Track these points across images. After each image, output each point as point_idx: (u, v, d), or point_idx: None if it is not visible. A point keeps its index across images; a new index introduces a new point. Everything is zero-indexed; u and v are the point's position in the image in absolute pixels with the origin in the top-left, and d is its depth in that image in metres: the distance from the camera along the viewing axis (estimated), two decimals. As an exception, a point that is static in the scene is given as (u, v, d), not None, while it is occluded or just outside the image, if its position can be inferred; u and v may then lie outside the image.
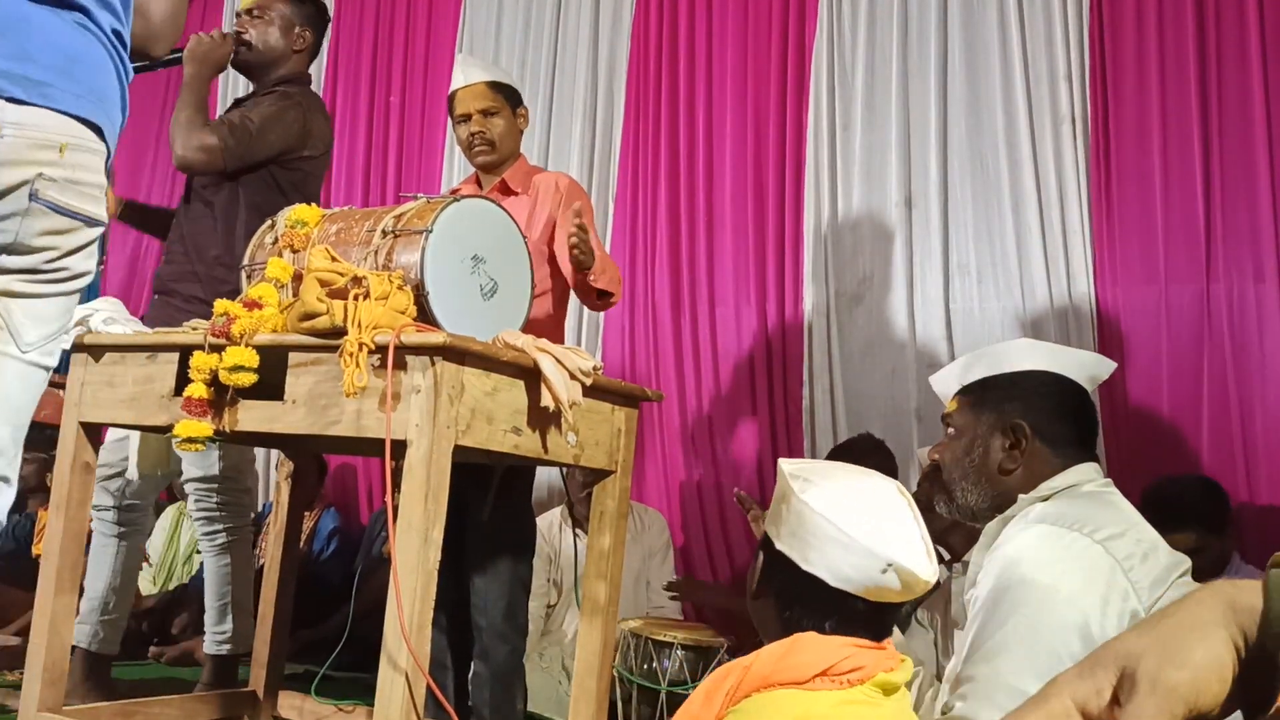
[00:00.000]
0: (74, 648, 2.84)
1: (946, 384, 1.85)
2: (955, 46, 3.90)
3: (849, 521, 1.35)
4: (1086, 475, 1.69)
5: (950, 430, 1.81)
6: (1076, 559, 1.50)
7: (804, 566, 1.37)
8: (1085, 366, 1.78)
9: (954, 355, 3.74)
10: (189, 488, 3.16)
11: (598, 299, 2.90)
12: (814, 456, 3.88)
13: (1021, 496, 1.69)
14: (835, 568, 1.35)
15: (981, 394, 1.78)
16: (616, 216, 4.48)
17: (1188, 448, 3.41)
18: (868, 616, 1.37)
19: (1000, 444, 1.73)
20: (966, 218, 3.82)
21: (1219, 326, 3.39)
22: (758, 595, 1.48)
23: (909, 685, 1.44)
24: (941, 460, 1.81)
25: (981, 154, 3.81)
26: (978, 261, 3.77)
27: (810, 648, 1.34)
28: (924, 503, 1.61)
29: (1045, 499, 1.67)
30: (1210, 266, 3.42)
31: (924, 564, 1.35)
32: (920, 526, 1.40)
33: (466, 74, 2.98)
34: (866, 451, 3.34)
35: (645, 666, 3.06)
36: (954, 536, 2.69)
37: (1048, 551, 1.52)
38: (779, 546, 1.41)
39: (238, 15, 3.28)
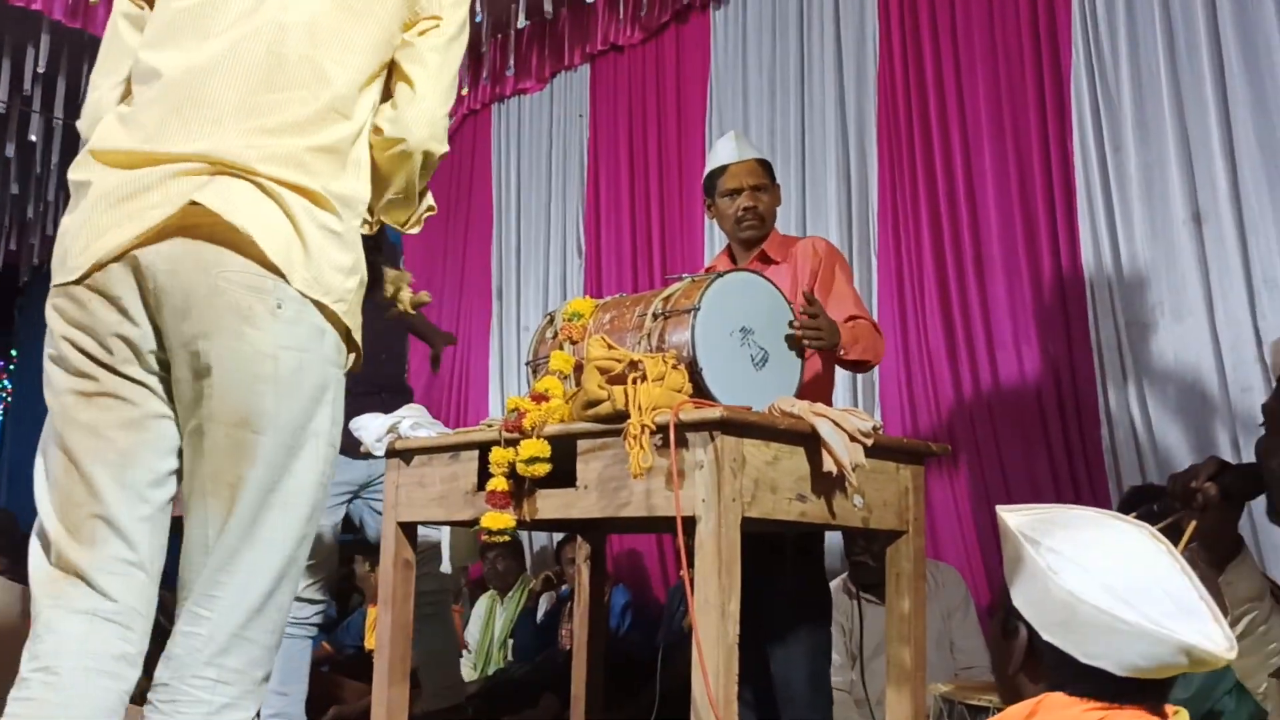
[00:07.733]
0: None
1: None
2: (1230, 47, 3.61)
3: (1128, 607, 1.23)
4: None
5: None
6: None
7: (1085, 661, 1.26)
8: None
9: (1269, 379, 3.42)
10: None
11: (855, 367, 2.89)
12: (1120, 499, 3.63)
13: None
14: (1122, 658, 1.24)
15: None
16: (880, 270, 4.42)
17: None
18: (1149, 688, 1.26)
19: None
20: (1266, 226, 3.49)
21: None
22: (1020, 675, 1.37)
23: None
24: None
25: (1275, 156, 3.50)
26: (1285, 272, 3.45)
27: (1056, 709, 1.26)
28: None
29: None
30: None
31: (1220, 641, 1.22)
32: (1194, 582, 1.26)
33: (740, 150, 3.02)
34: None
35: (961, 732, 2.93)
36: None
37: None
38: (1046, 638, 1.29)
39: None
